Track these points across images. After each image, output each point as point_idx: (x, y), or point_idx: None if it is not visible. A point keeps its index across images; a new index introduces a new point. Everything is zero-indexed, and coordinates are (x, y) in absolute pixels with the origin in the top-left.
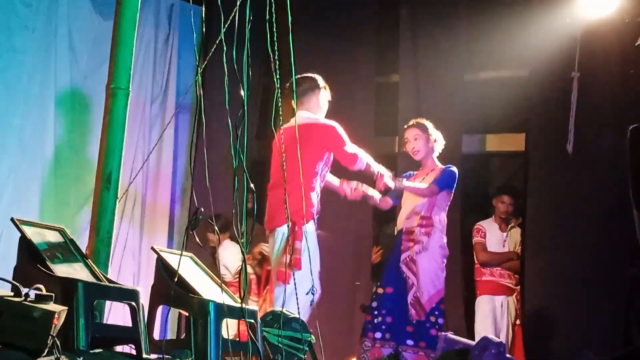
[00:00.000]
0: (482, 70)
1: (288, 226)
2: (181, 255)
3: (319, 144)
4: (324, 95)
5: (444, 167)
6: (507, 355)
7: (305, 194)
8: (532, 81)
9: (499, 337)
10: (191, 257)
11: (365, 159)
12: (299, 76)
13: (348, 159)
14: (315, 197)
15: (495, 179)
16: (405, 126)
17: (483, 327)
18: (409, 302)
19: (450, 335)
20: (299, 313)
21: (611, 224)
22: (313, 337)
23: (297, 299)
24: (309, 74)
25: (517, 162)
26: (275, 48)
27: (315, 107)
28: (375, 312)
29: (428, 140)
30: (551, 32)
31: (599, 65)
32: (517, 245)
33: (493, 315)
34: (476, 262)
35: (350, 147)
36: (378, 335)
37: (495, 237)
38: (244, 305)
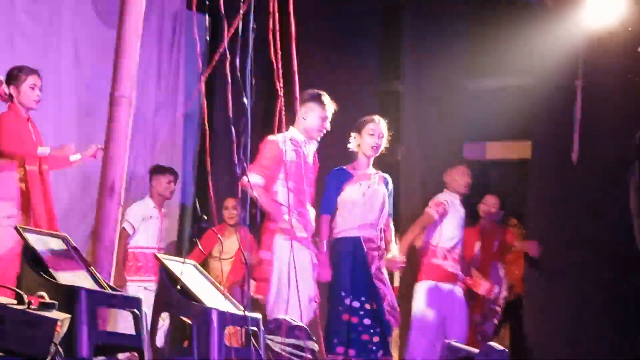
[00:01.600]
0: (484, 79)
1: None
2: (184, 262)
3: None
4: (308, 109)
5: (382, 174)
6: None
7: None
8: (535, 90)
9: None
10: (194, 265)
11: (261, 196)
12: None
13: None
14: (284, 212)
15: (496, 186)
16: (376, 119)
17: (425, 319)
18: (386, 311)
19: (453, 343)
20: (301, 321)
21: (615, 232)
22: (316, 345)
23: (300, 306)
24: (313, 90)
25: (520, 170)
26: (279, 57)
27: (303, 119)
28: (371, 331)
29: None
30: (554, 40)
31: (602, 73)
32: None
33: (438, 306)
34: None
35: (256, 169)
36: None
37: (458, 216)
38: (247, 313)
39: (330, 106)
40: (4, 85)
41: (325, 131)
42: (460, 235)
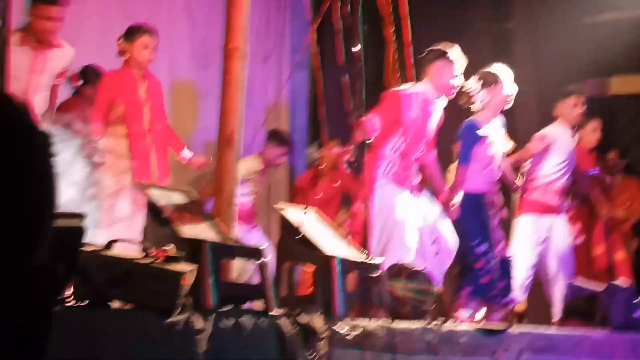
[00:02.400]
0: (601, 13)
1: None
2: (305, 210)
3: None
4: (446, 67)
5: (499, 119)
6: (637, 300)
7: (376, 157)
8: None
9: (546, 266)
10: (315, 212)
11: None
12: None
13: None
14: (387, 162)
15: (619, 121)
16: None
17: (522, 254)
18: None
19: (576, 282)
20: (424, 265)
21: None
22: (439, 289)
23: (421, 251)
24: (439, 46)
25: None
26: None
27: (433, 78)
28: (493, 275)
29: None
30: None
31: None
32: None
33: (536, 240)
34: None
35: (374, 115)
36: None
37: (565, 149)
38: (369, 259)
39: (462, 61)
40: (121, 41)
41: (457, 88)
42: (567, 167)
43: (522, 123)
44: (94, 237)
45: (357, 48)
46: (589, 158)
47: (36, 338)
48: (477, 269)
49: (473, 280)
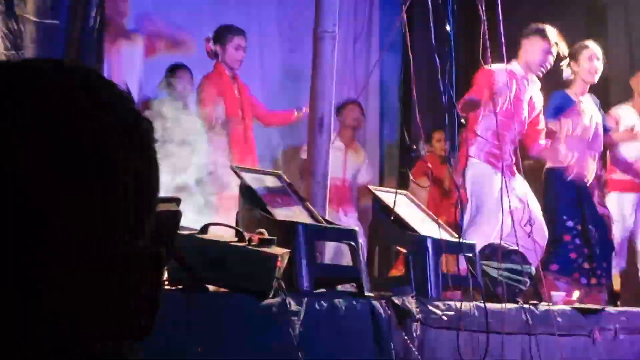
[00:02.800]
0: None
1: None
2: (396, 193)
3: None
4: (540, 43)
5: (591, 97)
6: None
7: (470, 135)
8: None
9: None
10: (406, 195)
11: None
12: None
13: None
14: (480, 141)
15: None
16: (589, 44)
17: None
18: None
19: None
20: (517, 245)
21: None
22: (533, 269)
23: (514, 231)
24: (537, 24)
25: None
26: None
27: (525, 54)
28: (580, 251)
29: None
30: None
31: None
32: None
33: (623, 215)
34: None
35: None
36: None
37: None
38: (461, 240)
39: (555, 41)
40: (211, 43)
41: (548, 66)
42: None
43: (617, 104)
44: (209, 219)
45: (448, 27)
46: None
47: (143, 320)
48: (564, 243)
49: (560, 256)
